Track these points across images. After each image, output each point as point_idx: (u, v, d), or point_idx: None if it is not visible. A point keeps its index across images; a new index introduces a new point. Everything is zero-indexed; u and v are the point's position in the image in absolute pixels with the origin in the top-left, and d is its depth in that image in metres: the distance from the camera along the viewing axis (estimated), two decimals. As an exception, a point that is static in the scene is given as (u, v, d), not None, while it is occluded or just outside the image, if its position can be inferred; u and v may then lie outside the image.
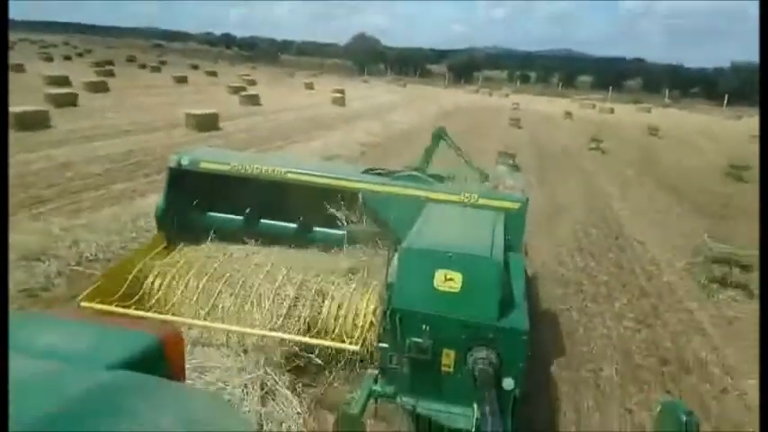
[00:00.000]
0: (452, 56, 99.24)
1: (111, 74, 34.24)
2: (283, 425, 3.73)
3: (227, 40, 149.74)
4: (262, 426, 3.68)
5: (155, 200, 6.61)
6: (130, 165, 11.44)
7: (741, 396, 5.01)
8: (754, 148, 26.47)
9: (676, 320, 6.46)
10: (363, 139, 17.74)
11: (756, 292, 7.39)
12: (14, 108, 14.47)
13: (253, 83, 39.09)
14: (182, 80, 36.51)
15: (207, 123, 17.18)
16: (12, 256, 6.06)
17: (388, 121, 23.52)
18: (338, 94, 32.01)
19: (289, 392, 3.99)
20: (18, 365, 0.97)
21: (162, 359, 1.23)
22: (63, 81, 26.30)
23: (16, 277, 5.76)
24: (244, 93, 28.14)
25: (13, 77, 27.76)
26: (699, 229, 9.99)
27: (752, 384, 5.20)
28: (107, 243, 6.86)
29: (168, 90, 30.13)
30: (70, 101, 19.35)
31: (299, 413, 3.84)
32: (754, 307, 7.01)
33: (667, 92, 68.61)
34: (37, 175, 9.69)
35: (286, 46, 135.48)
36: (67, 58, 51.71)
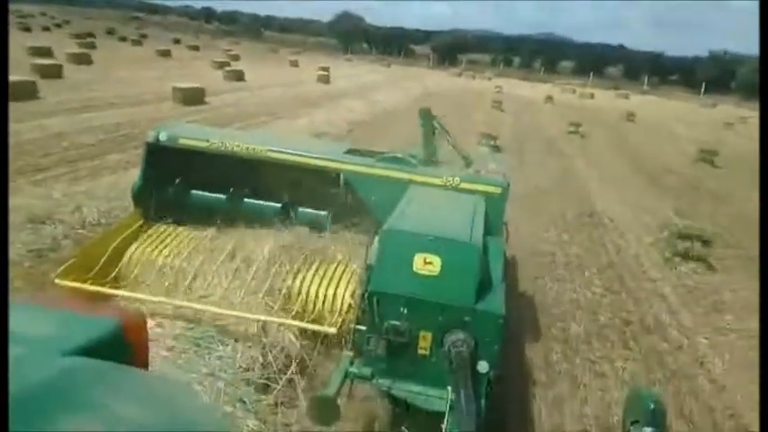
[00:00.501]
0: (437, 37, 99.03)
1: (92, 46, 33.77)
2: (250, 407, 3.57)
3: (208, 14, 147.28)
4: (227, 410, 3.50)
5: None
6: (121, 136, 11.64)
7: (694, 352, 5.59)
8: (726, 135, 27.40)
9: (640, 288, 7.03)
10: (349, 117, 18.04)
11: (716, 264, 8.02)
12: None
13: (236, 58, 38.87)
14: (165, 54, 36.21)
15: (193, 97, 17.32)
16: (18, 218, 6.33)
17: (373, 100, 23.80)
18: (323, 72, 32.13)
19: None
20: None
21: (123, 344, 1.20)
22: (46, 52, 25.97)
23: (24, 238, 6.06)
24: (228, 68, 28.13)
25: (-8, 47, 27.32)
26: (667, 208, 10.62)
27: (704, 343, 5.79)
28: (108, 209, 7.14)
29: (151, 64, 29.91)
30: (56, 72, 19.26)
31: (272, 404, 3.68)
32: (711, 278, 7.63)
33: (646, 79, 69.64)
34: (33, 144, 9.90)
35: (268, 21, 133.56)
36: (46, 29, 50.62)
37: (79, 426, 0.83)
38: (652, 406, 2.09)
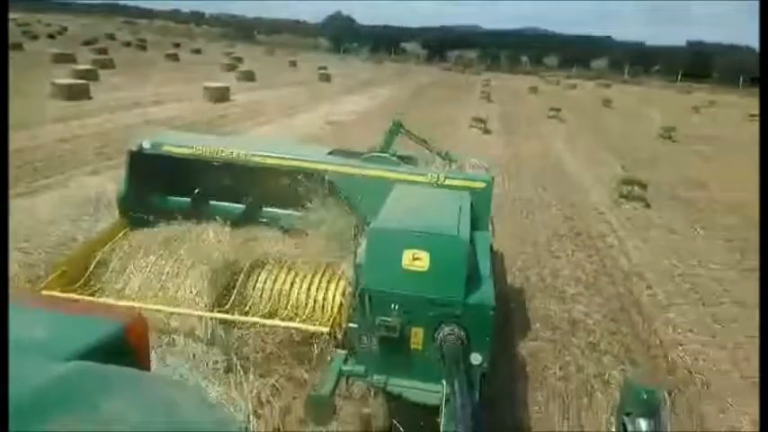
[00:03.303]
0: (424, 34, 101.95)
1: (104, 52, 36.12)
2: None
3: (198, 18, 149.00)
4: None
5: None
6: (178, 126, 14.18)
7: (621, 249, 8.23)
8: (692, 116, 30.29)
9: (591, 217, 9.70)
10: (356, 108, 20.71)
11: (651, 204, 10.69)
12: (60, 80, 17.08)
13: (240, 60, 41.31)
14: (173, 57, 38.64)
15: (221, 95, 19.86)
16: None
17: (373, 94, 26.45)
18: (323, 71, 34.73)
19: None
20: None
21: (126, 347, 1.21)
22: (69, 58, 28.36)
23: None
24: (239, 69, 30.66)
25: (18, 55, 29.78)
26: (626, 173, 13.33)
27: (632, 245, 8.43)
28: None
29: (165, 67, 32.40)
30: (94, 76, 21.71)
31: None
32: (645, 213, 10.30)
33: (627, 69, 72.77)
34: (108, 136, 12.30)
35: (257, 24, 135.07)
36: (51, 36, 52.76)
37: (82, 428, 0.84)
38: (645, 396, 2.02)
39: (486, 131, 18.08)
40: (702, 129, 24.45)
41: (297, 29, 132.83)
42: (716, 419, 4.47)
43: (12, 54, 30.59)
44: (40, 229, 6.12)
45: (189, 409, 1.00)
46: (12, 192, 8.13)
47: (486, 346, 2.87)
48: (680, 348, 5.49)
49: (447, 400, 2.55)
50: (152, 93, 19.67)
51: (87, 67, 23.33)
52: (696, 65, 69.78)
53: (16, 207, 7.48)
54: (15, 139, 10.95)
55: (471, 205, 3.86)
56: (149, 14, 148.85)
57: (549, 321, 5.76)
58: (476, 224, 3.69)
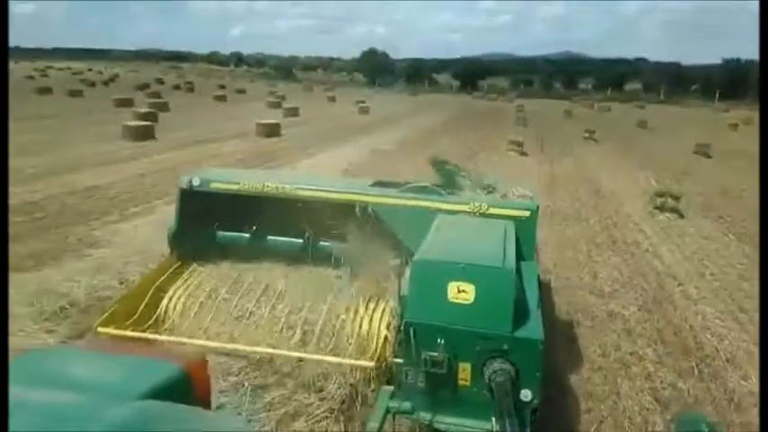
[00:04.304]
0: (455, 64, 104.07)
1: (158, 95, 38.65)
2: None
3: (237, 59, 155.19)
4: None
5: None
6: (239, 160, 15.55)
7: (655, 253, 8.93)
8: (728, 134, 30.42)
9: (627, 228, 10.42)
10: (397, 137, 21.86)
11: (684, 214, 11.32)
12: (129, 123, 18.92)
13: (283, 98, 43.39)
14: (221, 98, 40.95)
15: (272, 131, 21.32)
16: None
17: (413, 124, 27.68)
18: (362, 104, 36.31)
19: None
20: (47, 400, 1.04)
21: (188, 387, 1.28)
22: (128, 103, 30.65)
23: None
24: (284, 106, 32.44)
25: (82, 102, 32.34)
26: (656, 183, 13.96)
27: (665, 249, 9.12)
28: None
29: (215, 107, 34.55)
30: (154, 118, 23.56)
31: None
32: (679, 222, 10.94)
33: (663, 90, 72.60)
34: (183, 168, 13.71)
35: (293, 61, 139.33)
36: (105, 83, 56.29)
37: None
38: (706, 429, 1.94)
39: (523, 153, 18.95)
40: (738, 144, 24.75)
41: (331, 65, 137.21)
42: (738, 384, 5.18)
43: (76, 101, 33.37)
44: (144, 248, 7.36)
45: None
46: (108, 218, 9.44)
47: (536, 381, 2.81)
48: (708, 332, 6.21)
49: None
50: (209, 131, 21.29)
51: (147, 110, 25.27)
52: (733, 83, 69.17)
53: (116, 231, 8.78)
54: (104, 174, 12.45)
55: (517, 234, 3.80)
56: (192, 58, 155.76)
57: (588, 312, 6.56)
58: (521, 254, 3.68)
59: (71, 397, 1.05)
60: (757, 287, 7.62)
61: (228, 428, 1.27)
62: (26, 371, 1.12)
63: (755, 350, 5.86)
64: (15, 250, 7.11)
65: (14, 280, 5.96)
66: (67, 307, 5.57)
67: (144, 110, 25.03)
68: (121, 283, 6.14)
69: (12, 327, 5.25)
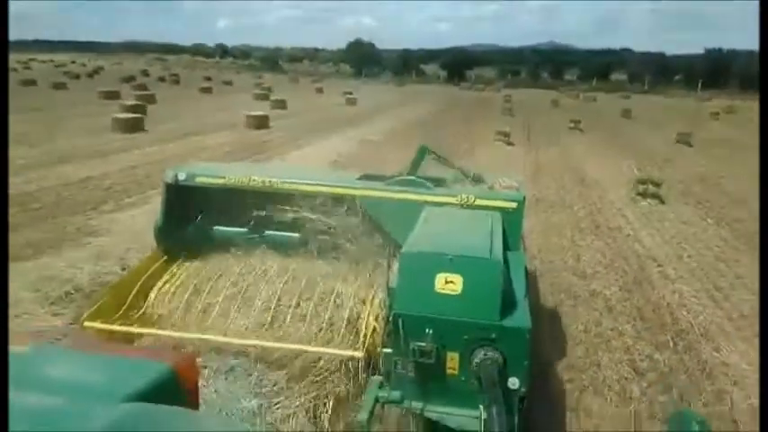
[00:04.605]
0: (443, 55, 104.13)
1: (144, 88, 38.45)
2: None
3: (222, 51, 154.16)
4: None
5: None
6: (228, 152, 15.69)
7: (636, 237, 9.27)
8: (710, 123, 31.02)
9: (610, 213, 10.77)
10: (385, 128, 22.08)
11: (665, 200, 11.69)
12: (118, 115, 18.94)
13: (270, 89, 43.33)
14: (206, 90, 40.84)
15: (260, 123, 21.42)
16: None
17: (400, 114, 27.88)
18: (349, 96, 36.42)
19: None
20: (33, 400, 1.02)
21: (176, 387, 1.26)
22: (115, 95, 30.52)
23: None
24: (271, 98, 32.48)
25: (66, 94, 32.16)
26: (642, 174, 14.35)
27: (645, 234, 9.47)
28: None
29: (203, 98, 34.51)
30: (142, 110, 23.55)
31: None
32: (660, 207, 11.31)
33: (647, 80, 73.37)
34: (173, 159, 13.85)
35: (278, 52, 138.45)
36: (90, 75, 55.82)
37: None
38: (697, 428, 1.95)
39: (510, 143, 19.27)
40: (719, 133, 25.32)
41: (317, 56, 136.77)
42: (710, 355, 5.53)
43: (60, 93, 33.17)
44: (142, 236, 7.54)
45: None
46: (104, 208, 9.61)
47: (524, 369, 2.85)
48: (684, 309, 6.56)
49: (485, 426, 2.57)
50: (198, 123, 21.35)
51: (135, 102, 25.22)
52: (715, 73, 70.17)
53: (113, 220, 8.96)
54: (97, 166, 12.56)
55: (504, 225, 3.85)
56: (178, 50, 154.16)
57: (571, 292, 6.88)
58: (508, 244, 3.74)
59: (57, 399, 1.04)
60: (755, 283, 7.99)
61: (217, 429, 1.29)
62: (10, 371, 1.08)
63: (728, 325, 6.22)
64: (13, 240, 7.28)
65: (15, 268, 6.16)
66: (72, 292, 5.79)
67: (131, 102, 24.96)
68: (123, 269, 6.35)
69: (17, 310, 5.47)
